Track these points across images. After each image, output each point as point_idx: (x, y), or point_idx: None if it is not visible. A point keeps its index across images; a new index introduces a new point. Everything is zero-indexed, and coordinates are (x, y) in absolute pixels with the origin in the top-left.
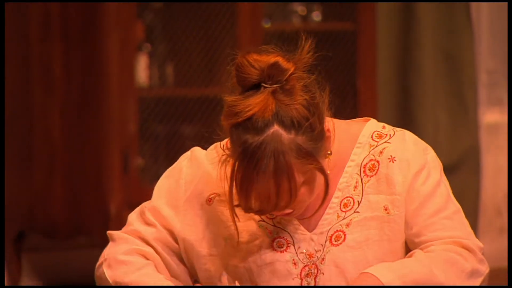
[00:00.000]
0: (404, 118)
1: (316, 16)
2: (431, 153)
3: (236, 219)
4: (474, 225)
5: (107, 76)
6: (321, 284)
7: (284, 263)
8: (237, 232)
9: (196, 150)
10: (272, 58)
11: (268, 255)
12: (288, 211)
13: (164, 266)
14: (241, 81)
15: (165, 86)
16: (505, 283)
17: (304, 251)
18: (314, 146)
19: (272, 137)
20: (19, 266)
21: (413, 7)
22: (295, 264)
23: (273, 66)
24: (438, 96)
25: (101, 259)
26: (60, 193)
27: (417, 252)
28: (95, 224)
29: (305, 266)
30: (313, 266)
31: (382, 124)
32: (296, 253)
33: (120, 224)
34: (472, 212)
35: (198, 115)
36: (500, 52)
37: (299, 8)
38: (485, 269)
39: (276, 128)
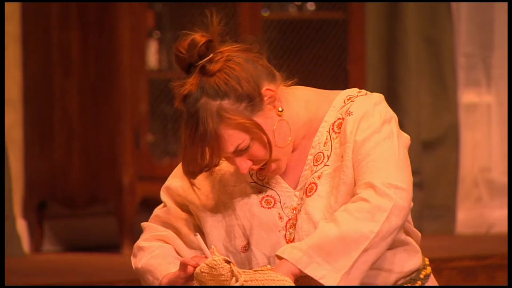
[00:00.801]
0: (390, 99)
1: (310, 6)
2: (376, 98)
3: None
4: (453, 195)
5: (120, 60)
6: (298, 230)
7: (271, 218)
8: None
9: None
10: (188, 39)
11: (257, 212)
12: (249, 164)
13: (183, 246)
14: (180, 66)
15: (173, 70)
16: (483, 248)
17: (288, 205)
18: (246, 105)
19: (201, 108)
20: (41, 232)
21: (399, 2)
22: (280, 218)
23: (190, 45)
24: (421, 78)
25: None
26: (78, 166)
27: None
28: (110, 194)
29: (290, 219)
30: (295, 218)
31: (358, 90)
32: (282, 208)
33: (132, 194)
34: (452, 183)
35: None
36: (477, 37)
37: None
38: (388, 202)
39: (204, 99)
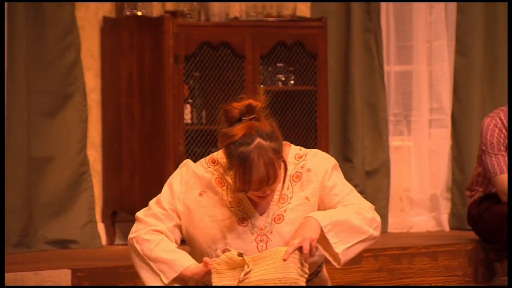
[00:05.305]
0: (345, 144)
1: (291, 81)
2: (330, 162)
3: (229, 205)
4: (386, 207)
5: (166, 117)
6: (270, 245)
7: (245, 232)
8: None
9: (189, 162)
10: (246, 101)
11: (236, 227)
12: (268, 192)
13: (172, 237)
14: (228, 118)
15: (201, 124)
16: (405, 242)
17: (257, 226)
18: (280, 148)
19: (257, 145)
20: (113, 232)
21: (350, 79)
22: (252, 233)
23: (248, 106)
24: (365, 130)
25: (131, 235)
26: (138, 187)
27: (338, 206)
28: None
29: (258, 235)
30: (264, 235)
31: (299, 147)
32: (252, 227)
33: None
34: (385, 199)
35: None
36: (400, 102)
37: (281, 76)
38: (378, 218)
39: (258, 139)
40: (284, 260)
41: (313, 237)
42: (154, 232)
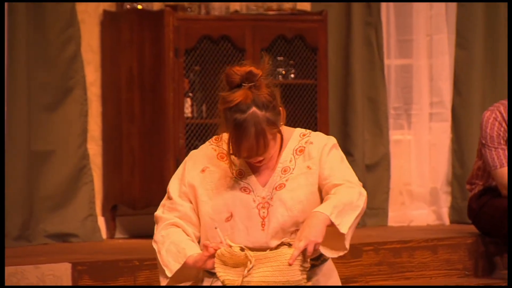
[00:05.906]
0: (345, 137)
1: (292, 75)
2: (332, 140)
3: (231, 165)
4: (386, 201)
5: (166, 111)
6: (271, 210)
7: (248, 199)
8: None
9: (192, 151)
10: (248, 68)
11: (238, 194)
12: (260, 158)
13: (186, 227)
14: (229, 82)
15: (201, 118)
16: (405, 236)
17: (259, 195)
18: (276, 118)
19: (252, 114)
20: (114, 226)
21: (351, 73)
22: (254, 201)
23: (249, 73)
24: (365, 124)
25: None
26: (138, 181)
27: (331, 195)
28: (159, 200)
29: (259, 203)
30: (266, 203)
31: (304, 129)
32: (254, 195)
33: None
34: (385, 192)
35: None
36: (401, 96)
37: (281, 69)
38: (364, 192)
39: (254, 109)
40: (290, 264)
41: (318, 241)
42: (169, 226)
